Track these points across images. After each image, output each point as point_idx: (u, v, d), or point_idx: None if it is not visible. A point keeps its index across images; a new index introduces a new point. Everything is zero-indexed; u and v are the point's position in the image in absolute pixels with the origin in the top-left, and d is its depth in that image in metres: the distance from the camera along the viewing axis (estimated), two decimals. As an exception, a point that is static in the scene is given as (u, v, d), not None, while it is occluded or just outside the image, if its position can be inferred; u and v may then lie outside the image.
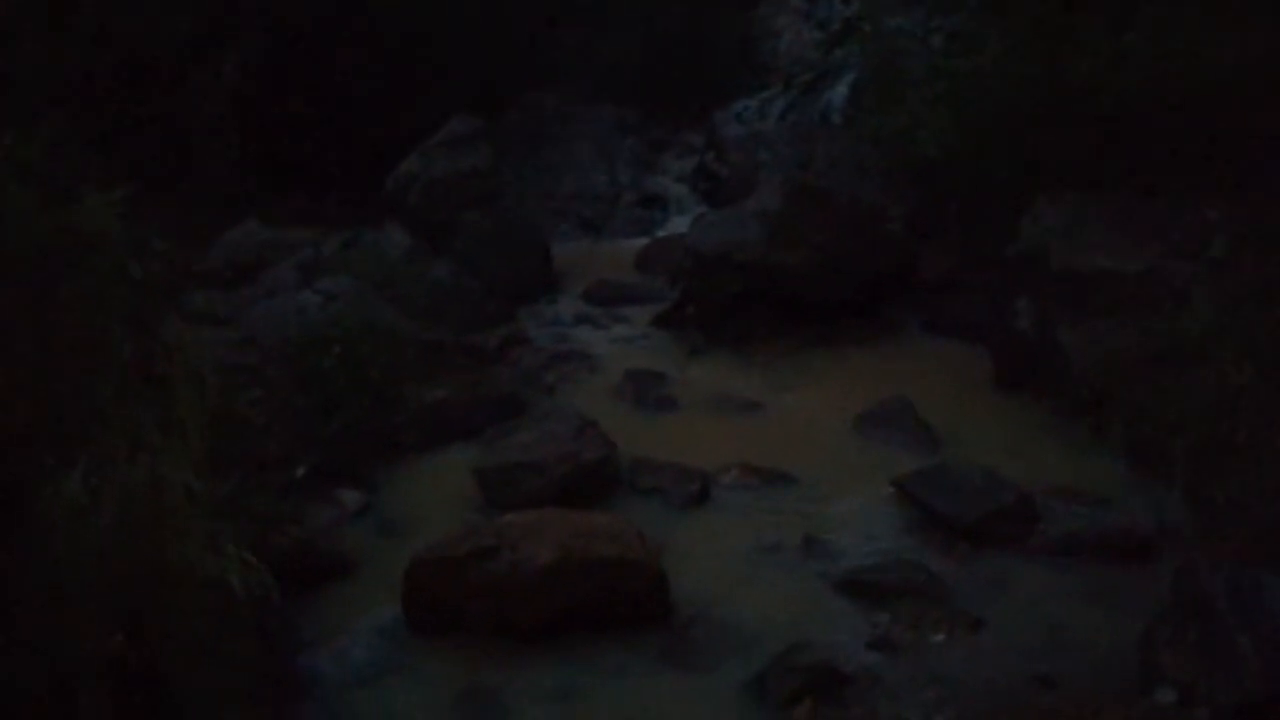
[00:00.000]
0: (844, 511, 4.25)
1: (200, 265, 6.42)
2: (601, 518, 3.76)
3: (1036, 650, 3.31)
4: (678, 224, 9.68)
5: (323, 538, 4.10)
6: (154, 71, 7.58)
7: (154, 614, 2.53)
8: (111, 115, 7.13)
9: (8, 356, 2.53)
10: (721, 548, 3.98)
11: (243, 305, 5.88)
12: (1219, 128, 5.53)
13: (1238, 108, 5.48)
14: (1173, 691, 2.99)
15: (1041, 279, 5.29)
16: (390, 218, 7.25)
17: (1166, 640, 3.12)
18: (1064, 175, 6.17)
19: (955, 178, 6.88)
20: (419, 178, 7.18)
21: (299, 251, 6.64)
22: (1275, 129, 5.32)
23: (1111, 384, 4.69)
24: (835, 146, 10.05)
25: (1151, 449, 4.36)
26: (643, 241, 8.93)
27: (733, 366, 6.05)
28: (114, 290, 2.74)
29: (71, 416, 2.56)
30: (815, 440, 4.91)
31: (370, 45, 8.29)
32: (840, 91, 10.32)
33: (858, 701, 3.10)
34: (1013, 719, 2.98)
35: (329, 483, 4.52)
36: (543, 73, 11.32)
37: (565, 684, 3.27)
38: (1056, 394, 4.99)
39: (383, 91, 8.36)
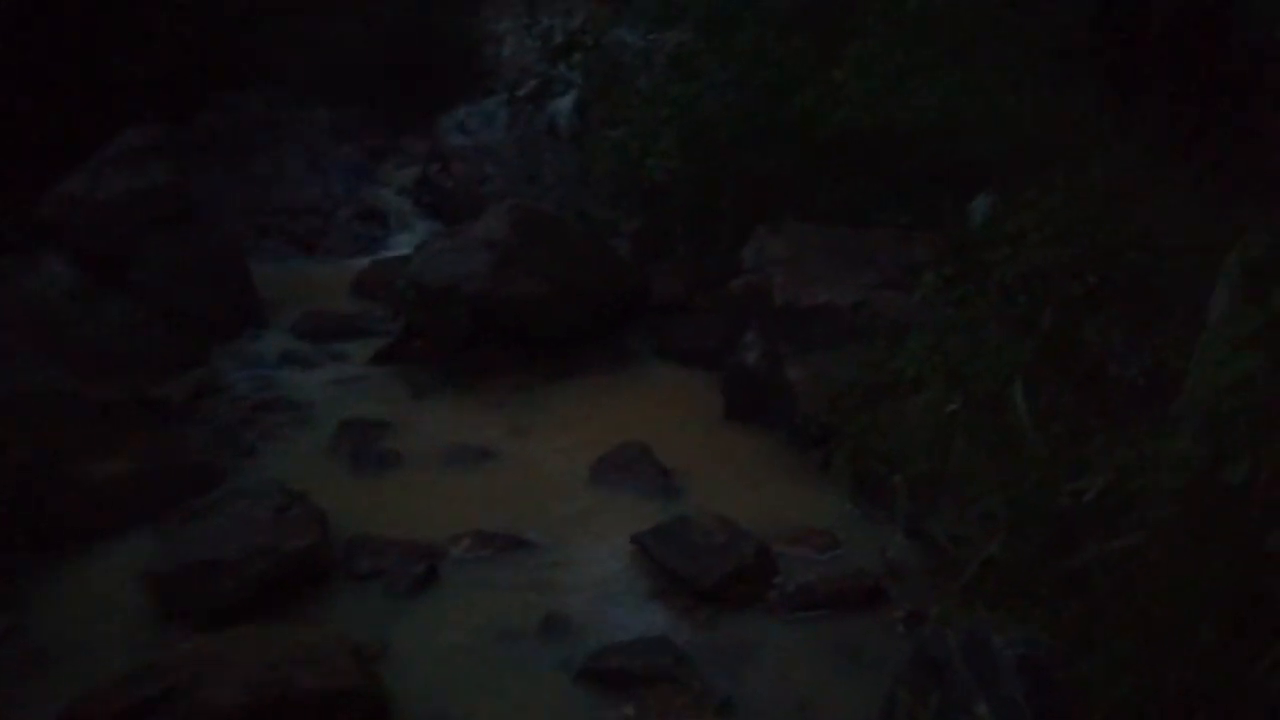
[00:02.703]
0: (585, 579, 3.93)
1: None
2: (306, 635, 3.17)
3: (786, 728, 3.16)
4: (400, 241, 9.04)
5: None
6: None
7: None
8: None
9: None
10: (453, 642, 3.52)
11: None
12: (925, 163, 5.77)
13: (939, 145, 5.74)
14: (921, 761, 2.92)
15: (766, 312, 5.26)
16: (48, 247, 6.09)
17: (908, 707, 3.05)
18: (785, 204, 6.24)
19: (681, 202, 6.81)
20: (84, 200, 6.07)
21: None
22: (971, 164, 5.62)
23: (835, 418, 4.71)
24: (562, 161, 9.81)
25: (874, 484, 4.40)
26: (362, 262, 8.21)
27: (463, 408, 5.59)
28: None
29: None
30: (553, 494, 4.57)
31: (18, 33, 6.93)
32: (565, 103, 10.07)
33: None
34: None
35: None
36: (245, 70, 10.18)
37: None
38: (786, 428, 4.96)
39: (39, 91, 7.04)
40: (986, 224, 5.38)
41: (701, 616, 3.68)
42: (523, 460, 4.91)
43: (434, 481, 4.69)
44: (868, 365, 4.77)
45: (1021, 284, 4.60)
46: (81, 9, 7.12)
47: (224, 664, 2.85)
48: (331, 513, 4.19)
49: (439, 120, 10.39)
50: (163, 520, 4.23)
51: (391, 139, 11.35)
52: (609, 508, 4.43)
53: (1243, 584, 2.55)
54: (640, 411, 5.46)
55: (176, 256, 6.25)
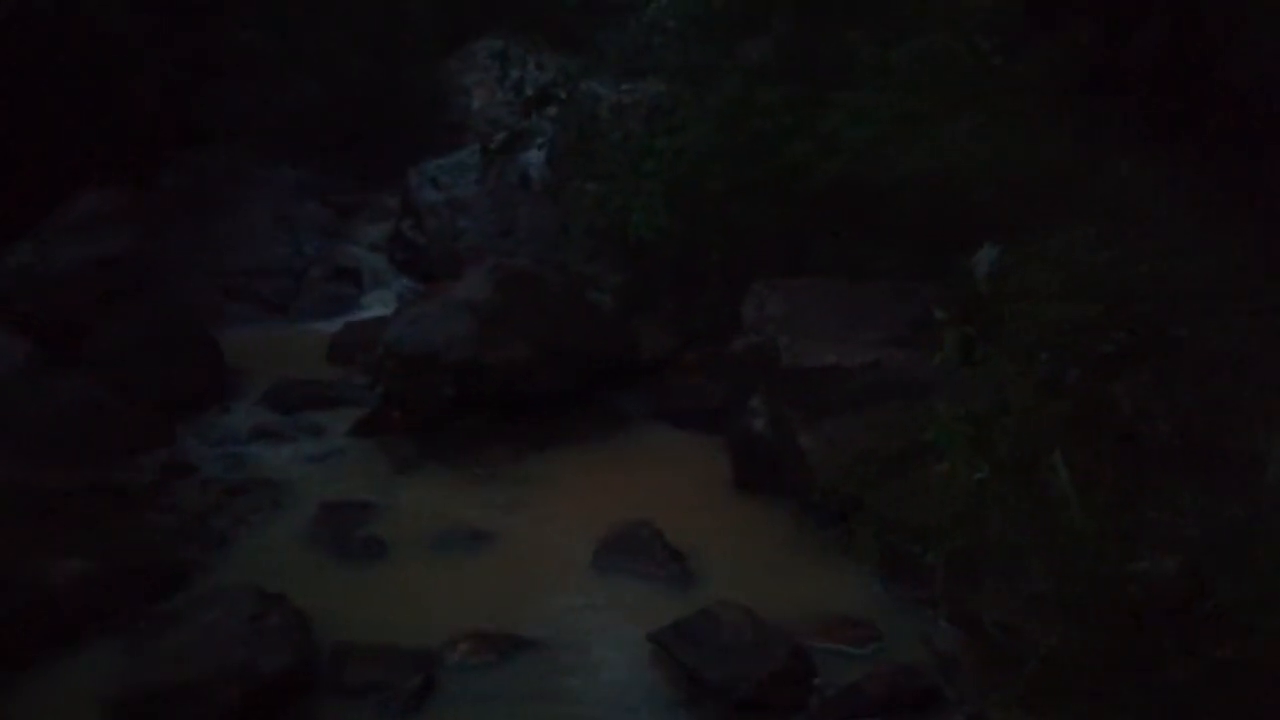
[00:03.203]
0: (599, 687, 3.50)
1: None
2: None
3: None
4: (375, 299, 8.58)
5: None
6: None
7: None
8: None
9: None
10: (457, 771, 3.08)
11: None
12: (922, 213, 5.49)
13: (937, 195, 5.46)
14: None
15: (772, 375, 4.90)
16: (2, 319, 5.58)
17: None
18: (778, 258, 5.93)
19: (667, 256, 6.46)
20: (35, 270, 5.58)
21: None
22: (972, 214, 5.35)
23: (854, 489, 4.34)
24: (536, 214, 9.43)
25: (906, 562, 4.03)
26: (336, 324, 7.75)
27: (451, 483, 5.14)
28: None
29: None
30: (554, 583, 4.14)
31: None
32: (538, 156, 9.74)
33: None
34: None
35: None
36: (207, 128, 9.73)
37: None
38: (801, 499, 4.59)
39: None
40: (994, 277, 5.09)
41: (738, 731, 3.26)
42: (518, 543, 4.47)
43: (424, 572, 4.24)
44: (884, 430, 4.43)
45: (1043, 342, 4.30)
46: (32, 70, 6.65)
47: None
48: (314, 614, 3.73)
49: (409, 174, 9.99)
50: (126, 630, 3.72)
51: (361, 195, 10.91)
52: (618, 599, 4.00)
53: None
54: (641, 482, 5.06)
55: (136, 329, 5.78)
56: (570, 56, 9.65)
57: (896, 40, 5.98)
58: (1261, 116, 4.76)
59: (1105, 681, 2.93)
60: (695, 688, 3.40)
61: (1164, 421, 4.00)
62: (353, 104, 11.39)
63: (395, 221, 9.57)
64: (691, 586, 4.08)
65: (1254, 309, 4.22)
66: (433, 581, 4.15)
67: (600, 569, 4.22)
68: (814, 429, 4.58)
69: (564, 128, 8.58)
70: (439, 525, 4.60)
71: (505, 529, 4.58)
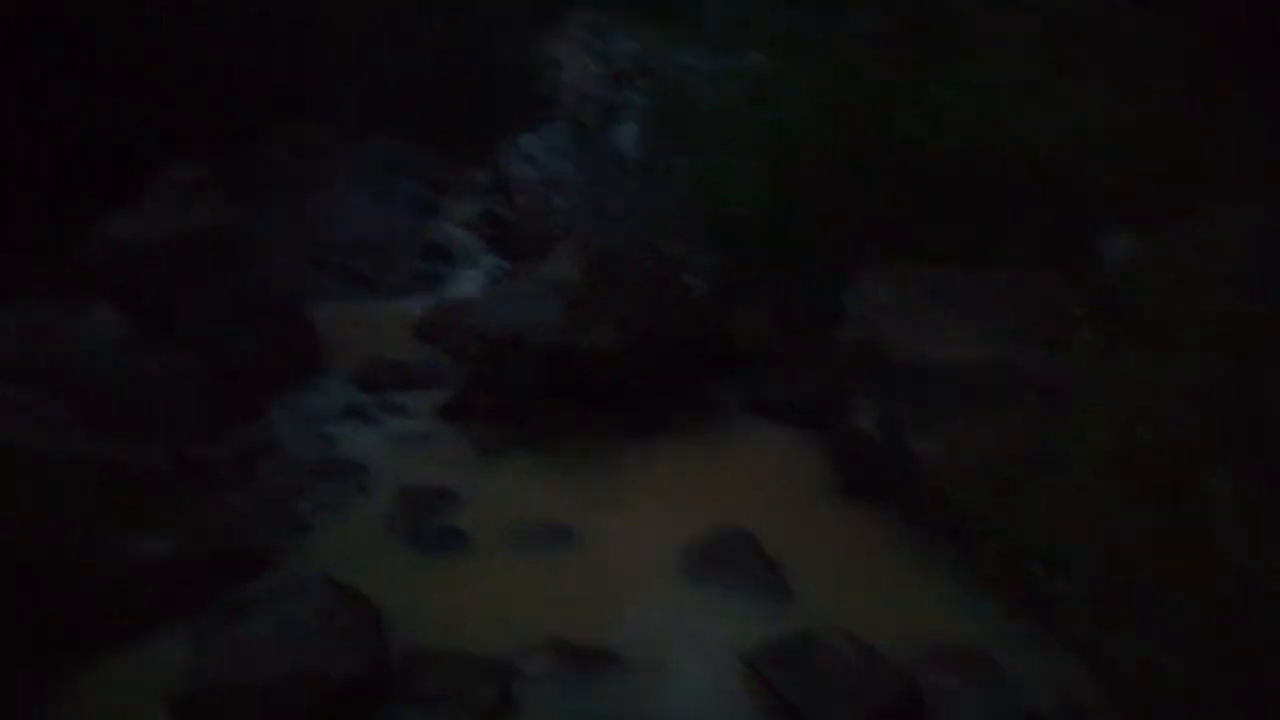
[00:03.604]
0: (689, 713, 3.17)
1: None
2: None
3: None
4: (465, 278, 8.38)
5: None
6: None
7: None
8: None
9: None
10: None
11: None
12: (1045, 194, 4.96)
13: (1062, 174, 4.92)
14: None
15: (880, 371, 4.47)
16: (92, 293, 5.50)
17: None
18: (885, 242, 5.46)
19: (765, 239, 6.03)
20: (128, 242, 5.49)
21: (-43, 345, 4.82)
22: (1107, 197, 4.80)
23: (973, 501, 3.89)
24: (629, 192, 9.10)
25: (1031, 588, 3.58)
26: (425, 301, 7.57)
27: (535, 472, 4.87)
28: None
29: None
30: (641, 591, 3.83)
31: (63, 64, 6.39)
32: (631, 130, 9.39)
33: None
34: None
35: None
36: (301, 101, 9.66)
37: None
38: (910, 508, 4.17)
39: (84, 124, 6.50)
40: (1131, 266, 4.55)
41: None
42: (603, 543, 4.17)
43: (504, 569, 3.97)
44: (1009, 436, 3.97)
45: (1195, 341, 3.77)
46: (129, 40, 6.57)
47: None
48: (387, 610, 3.50)
49: (501, 150, 9.74)
50: (198, 617, 3.54)
51: (454, 170, 10.74)
52: (709, 612, 3.67)
53: None
54: (734, 481, 4.70)
55: (228, 302, 5.63)
56: (665, 28, 9.23)
57: (1014, 3, 5.43)
58: None
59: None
60: (792, 719, 3.05)
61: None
62: (446, 78, 11.21)
63: (486, 198, 9.36)
64: (788, 601, 3.71)
65: None
66: (511, 581, 3.89)
67: (689, 576, 3.89)
68: (928, 432, 4.15)
69: (658, 102, 8.19)
70: (520, 518, 4.33)
71: (589, 526, 4.28)
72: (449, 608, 3.68)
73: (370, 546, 4.12)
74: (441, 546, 4.13)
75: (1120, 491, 3.50)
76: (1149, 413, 3.59)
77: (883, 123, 5.38)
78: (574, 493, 4.61)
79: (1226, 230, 4.15)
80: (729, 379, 5.76)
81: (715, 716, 3.16)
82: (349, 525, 4.32)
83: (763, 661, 3.20)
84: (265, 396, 5.49)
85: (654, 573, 3.91)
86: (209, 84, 7.46)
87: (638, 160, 9.23)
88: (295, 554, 4.08)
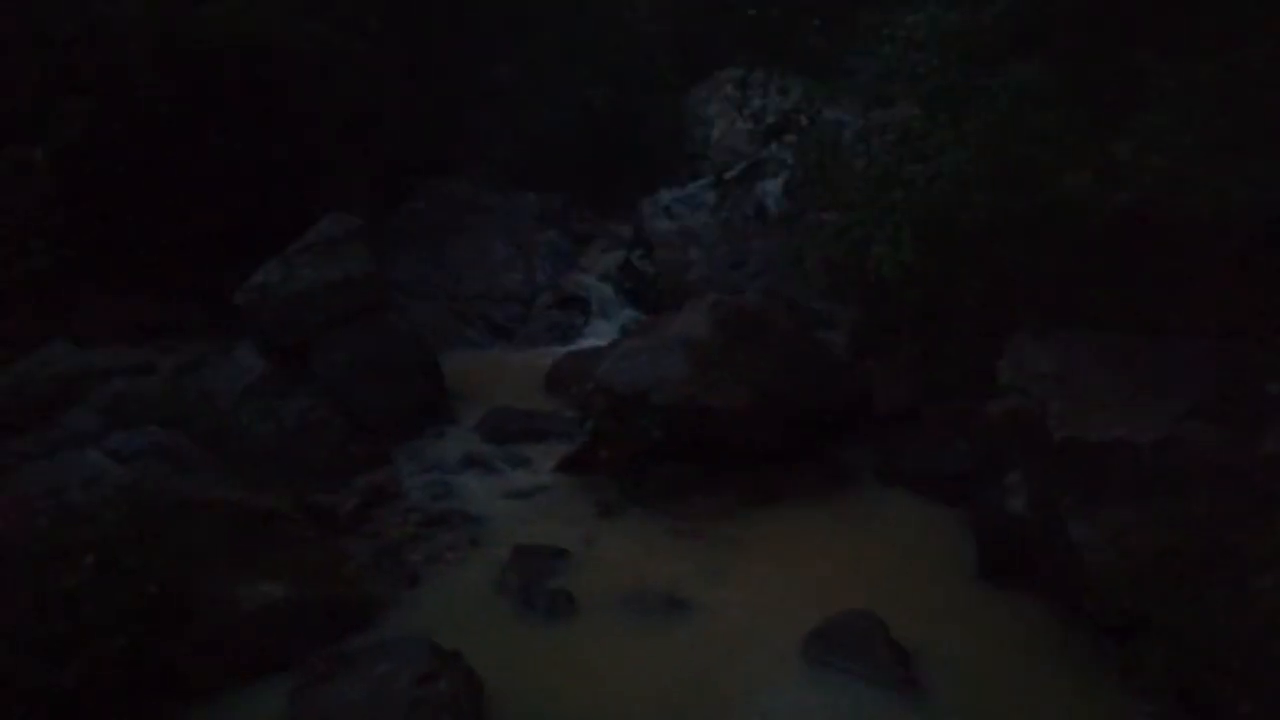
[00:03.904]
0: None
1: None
2: None
3: None
4: (600, 329, 8.34)
5: None
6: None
7: None
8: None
9: None
10: None
11: (12, 465, 4.29)
12: (1238, 258, 4.38)
13: (1257, 234, 4.34)
14: None
15: (1037, 446, 4.00)
16: (243, 337, 5.73)
17: None
18: (1045, 305, 4.98)
19: (912, 297, 5.63)
20: (276, 289, 5.69)
21: (113, 382, 5.08)
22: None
23: (1144, 601, 3.38)
24: (770, 246, 8.86)
25: (1208, 701, 3.05)
26: (559, 351, 7.55)
27: (651, 536, 4.64)
28: None
29: None
30: (756, 676, 3.50)
31: (236, 120, 6.80)
32: (775, 185, 9.18)
33: None
34: None
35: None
36: (455, 157, 9.99)
37: None
38: (1067, 602, 3.67)
39: (252, 178, 6.87)
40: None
41: None
42: (719, 619, 3.87)
43: (612, 642, 3.73)
44: (1186, 527, 3.44)
45: None
46: (293, 93, 6.92)
47: None
48: (488, 677, 3.32)
49: (642, 204, 9.73)
50: (300, 668, 3.47)
51: (597, 223, 10.85)
52: (831, 705, 3.31)
53: None
54: (864, 557, 4.32)
55: (364, 350, 5.75)
56: (814, 82, 9.02)
57: (1202, 57, 4.88)
58: None
59: None
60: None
61: None
62: (595, 134, 11.39)
63: (626, 251, 9.35)
64: (920, 700, 3.30)
65: None
66: (619, 655, 3.64)
67: (811, 662, 3.54)
68: (1091, 518, 3.65)
69: (804, 156, 7.93)
70: (633, 586, 4.09)
71: (705, 599, 3.99)
72: (551, 679, 3.47)
73: (478, 606, 3.98)
74: (551, 612, 3.93)
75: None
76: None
77: (1049, 178, 4.93)
78: (692, 561, 4.34)
79: None
80: (863, 444, 5.38)
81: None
82: (459, 581, 4.20)
83: (887, 775, 2.81)
84: (392, 443, 5.53)
85: (771, 656, 3.58)
86: (366, 140, 7.78)
87: (780, 215, 9.01)
88: (404, 606, 3.98)
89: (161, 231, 6.60)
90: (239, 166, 6.78)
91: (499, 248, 9.20)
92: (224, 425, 5.00)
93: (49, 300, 5.88)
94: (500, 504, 4.98)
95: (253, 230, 6.60)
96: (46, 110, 5.88)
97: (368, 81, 7.51)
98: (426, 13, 8.75)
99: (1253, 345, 4.25)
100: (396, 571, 4.24)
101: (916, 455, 5.22)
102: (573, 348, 7.73)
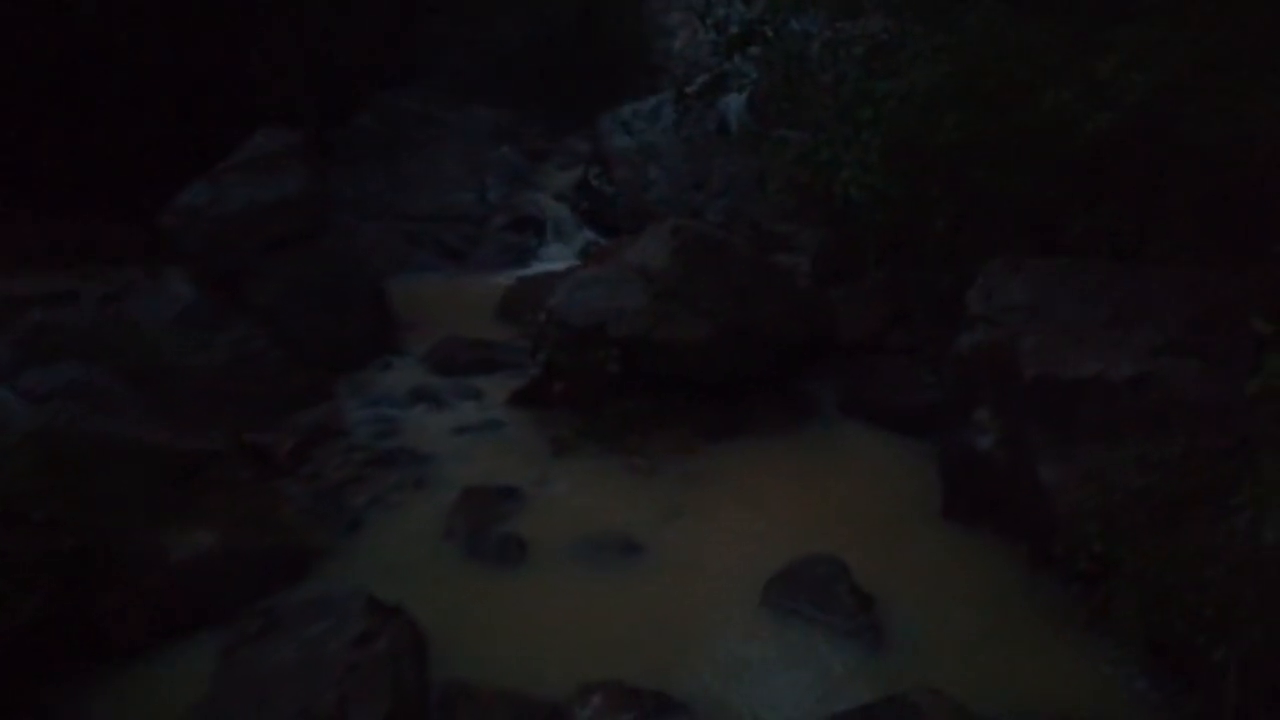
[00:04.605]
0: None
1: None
2: None
3: None
4: (556, 252, 8.03)
5: None
6: None
7: None
8: None
9: None
10: None
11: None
12: (1221, 184, 4.16)
13: (1240, 158, 4.11)
14: None
15: (1008, 382, 3.81)
16: (172, 262, 5.32)
17: None
18: (1021, 230, 4.76)
19: (881, 219, 5.36)
20: (205, 211, 5.27)
21: (30, 312, 4.69)
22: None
23: (1115, 544, 3.24)
24: (733, 165, 8.53)
25: (1182, 653, 2.94)
26: (511, 276, 7.24)
27: (607, 474, 4.44)
28: None
29: None
30: (714, 624, 3.34)
31: (160, 27, 6.22)
32: (738, 100, 8.77)
33: None
34: None
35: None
36: (406, 69, 9.43)
37: None
38: (1035, 545, 3.53)
39: (178, 89, 6.34)
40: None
41: None
42: (676, 563, 3.69)
43: (563, 590, 3.54)
44: (1161, 468, 3.29)
45: None
46: (222, 6, 6.35)
47: None
48: (431, 632, 3.11)
49: (601, 119, 9.29)
50: (232, 623, 3.24)
51: (554, 139, 10.40)
52: (791, 656, 3.16)
53: None
54: (826, 495, 4.16)
55: (304, 276, 5.39)
56: (780, -9, 8.52)
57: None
58: None
59: None
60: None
61: None
62: (552, 45, 10.82)
63: (584, 169, 8.95)
64: (883, 648, 3.17)
65: None
66: (571, 605, 3.45)
67: (771, 609, 3.38)
68: (1062, 457, 3.49)
69: (769, 70, 7.52)
70: (587, 528, 3.89)
71: (662, 542, 3.81)
72: (499, 634, 3.27)
73: (422, 553, 3.76)
74: (499, 558, 3.73)
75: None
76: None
77: (1029, 96, 4.63)
78: (648, 500, 4.14)
79: None
80: (827, 373, 5.19)
81: (791, 797, 2.66)
82: (403, 526, 3.97)
83: (852, 729, 2.67)
84: (335, 376, 5.23)
85: (730, 603, 3.41)
86: (308, 51, 7.22)
87: (743, 132, 8.64)
88: (344, 555, 3.75)
89: (82, 148, 6.09)
90: (165, 77, 6.24)
91: (451, 166, 8.77)
92: (152, 358, 4.64)
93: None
94: (449, 441, 4.73)
95: (183, 146, 6.12)
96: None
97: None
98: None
99: (1230, 275, 4.06)
100: (337, 516, 3.99)
101: (881, 387, 5.05)
102: (528, 271, 7.43)
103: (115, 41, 5.98)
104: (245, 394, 4.75)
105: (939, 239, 5.09)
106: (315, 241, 5.64)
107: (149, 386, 4.48)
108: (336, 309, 5.48)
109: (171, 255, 5.37)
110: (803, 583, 3.42)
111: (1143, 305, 3.95)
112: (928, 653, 3.10)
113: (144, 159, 6.03)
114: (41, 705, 2.99)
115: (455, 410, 5.05)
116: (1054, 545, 3.39)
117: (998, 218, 4.82)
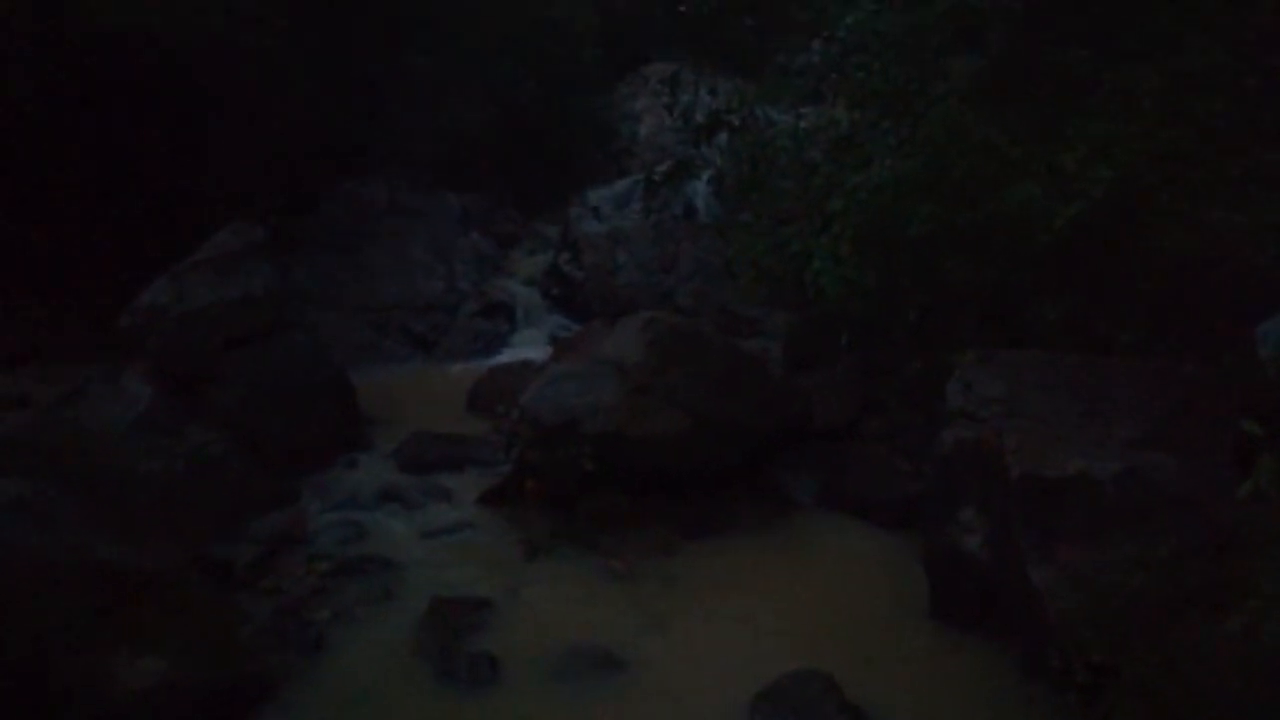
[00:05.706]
0: None
1: None
2: None
3: None
4: (526, 338, 7.92)
5: None
6: None
7: None
8: None
9: None
10: None
11: None
12: (1187, 273, 4.18)
13: (1215, 248, 4.14)
14: None
15: (991, 480, 3.72)
16: (132, 363, 5.14)
17: None
18: (989, 320, 4.74)
19: (852, 309, 5.33)
20: (168, 310, 5.11)
21: (-20, 419, 4.47)
22: (1256, 276, 4.00)
23: (1110, 650, 3.12)
24: (700, 248, 8.54)
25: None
26: (483, 364, 7.11)
27: (585, 578, 4.26)
28: None
29: None
30: (699, 749, 3.14)
31: (122, 121, 6.14)
32: (704, 186, 8.84)
33: None
34: None
35: None
36: (372, 157, 9.38)
37: None
38: (1025, 644, 3.42)
39: (142, 185, 6.23)
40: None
41: None
42: (657, 679, 3.50)
43: (540, 714, 3.32)
44: (1154, 568, 3.20)
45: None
46: (186, 91, 6.30)
47: None
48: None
49: (570, 205, 9.30)
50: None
51: (523, 223, 10.37)
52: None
53: None
54: (811, 597, 4.01)
55: (266, 375, 5.22)
56: (746, 81, 8.68)
57: (1142, 58, 4.68)
58: None
59: None
60: None
61: None
62: (519, 131, 10.88)
63: (553, 254, 8.91)
64: (881, 775, 2.99)
65: None
66: (549, 731, 3.24)
67: (759, 730, 3.19)
68: (1052, 559, 3.39)
69: (735, 157, 7.60)
70: (564, 642, 3.70)
71: (643, 657, 3.62)
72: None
73: (391, 674, 3.53)
74: (470, 678, 3.51)
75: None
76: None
77: (996, 188, 4.65)
78: (626, 608, 3.97)
79: None
80: (804, 464, 5.08)
81: None
82: (369, 643, 3.74)
83: None
84: (299, 477, 5.03)
85: (715, 724, 3.23)
86: (272, 143, 7.17)
87: (710, 216, 8.68)
88: (306, 678, 3.52)
89: (39, 244, 5.93)
90: (127, 172, 6.14)
91: (418, 253, 8.67)
92: (106, 466, 4.42)
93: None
94: (418, 546, 4.53)
95: (140, 242, 5.98)
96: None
97: (272, 79, 6.90)
98: (338, 7, 8.13)
99: (1201, 365, 4.05)
100: (300, 634, 3.76)
101: (860, 478, 4.95)
102: (498, 359, 7.30)
103: (76, 132, 5.88)
104: (204, 501, 4.54)
105: (909, 327, 5.07)
106: (278, 338, 5.48)
107: (102, 496, 4.25)
108: (300, 407, 5.30)
109: (131, 355, 5.19)
110: (790, 700, 3.25)
111: (1116, 398, 3.91)
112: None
113: (106, 256, 5.88)
114: None
115: (424, 511, 4.86)
116: (1048, 652, 3.27)
117: (965, 308, 4.81)
